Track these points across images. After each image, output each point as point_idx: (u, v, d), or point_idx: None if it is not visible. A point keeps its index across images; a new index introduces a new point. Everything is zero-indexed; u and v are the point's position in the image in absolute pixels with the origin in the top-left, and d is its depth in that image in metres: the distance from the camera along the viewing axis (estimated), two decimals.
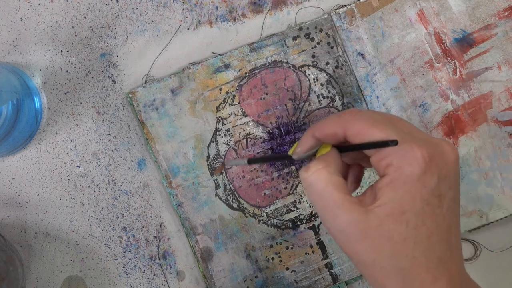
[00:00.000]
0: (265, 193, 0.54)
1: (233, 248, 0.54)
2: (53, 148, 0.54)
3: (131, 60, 0.54)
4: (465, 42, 0.54)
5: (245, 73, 0.54)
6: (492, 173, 0.54)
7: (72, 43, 0.54)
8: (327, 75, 0.54)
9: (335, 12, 0.54)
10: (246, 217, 0.54)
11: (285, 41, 0.54)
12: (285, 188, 0.54)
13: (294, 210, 0.54)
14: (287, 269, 0.54)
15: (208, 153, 0.54)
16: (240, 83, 0.54)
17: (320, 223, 0.54)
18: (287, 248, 0.54)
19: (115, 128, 0.54)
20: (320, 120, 0.39)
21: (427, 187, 0.34)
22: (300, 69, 0.54)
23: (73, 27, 0.54)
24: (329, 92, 0.54)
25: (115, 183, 0.54)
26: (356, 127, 0.36)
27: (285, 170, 0.54)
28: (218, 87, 0.54)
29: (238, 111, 0.54)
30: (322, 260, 0.54)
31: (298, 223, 0.54)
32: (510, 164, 0.54)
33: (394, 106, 0.54)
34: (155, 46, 0.55)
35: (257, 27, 0.55)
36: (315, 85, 0.54)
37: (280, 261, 0.54)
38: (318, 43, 0.54)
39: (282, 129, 0.54)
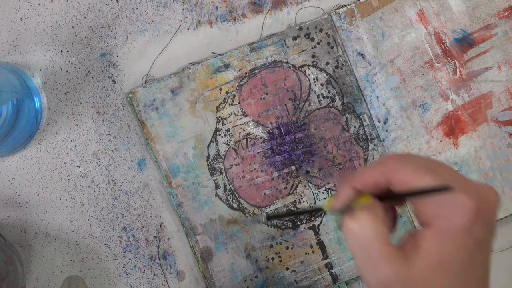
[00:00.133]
0: (265, 193, 0.54)
1: (233, 248, 0.54)
2: (53, 148, 0.54)
3: (131, 60, 0.54)
4: (465, 42, 0.54)
5: (245, 73, 0.54)
6: (492, 173, 0.54)
7: (72, 43, 0.54)
8: (327, 75, 0.54)
9: (335, 12, 0.54)
10: (246, 217, 0.54)
11: (285, 41, 0.54)
12: (285, 188, 0.54)
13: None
14: (287, 269, 0.54)
15: (208, 153, 0.54)
16: (240, 83, 0.54)
17: (320, 223, 0.54)
18: (287, 248, 0.54)
19: (115, 128, 0.54)
20: (358, 170, 0.37)
21: (472, 237, 0.33)
22: (300, 69, 0.54)
23: (73, 27, 0.54)
24: (329, 92, 0.54)
25: (115, 183, 0.54)
26: (402, 174, 0.34)
27: (285, 170, 0.54)
28: (218, 87, 0.54)
29: (238, 111, 0.54)
30: (322, 260, 0.54)
31: (298, 223, 0.54)
32: (510, 164, 0.54)
33: (394, 106, 0.54)
34: (155, 46, 0.55)
35: (257, 27, 0.55)
36: (315, 85, 0.54)
37: (280, 261, 0.54)
38: (318, 43, 0.54)
39: (282, 129, 0.54)
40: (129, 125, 0.54)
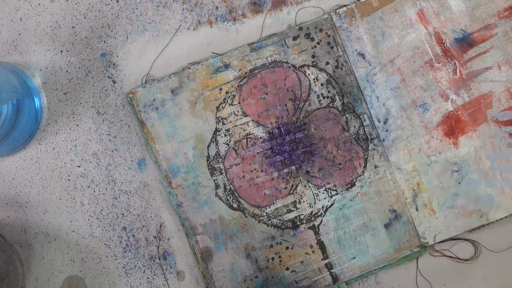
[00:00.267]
0: (265, 193, 0.54)
1: (233, 248, 0.54)
2: (53, 148, 0.54)
3: (131, 60, 0.54)
4: (465, 42, 0.54)
5: (245, 73, 0.54)
6: (492, 173, 0.54)
7: (72, 43, 0.54)
8: (327, 75, 0.54)
9: (335, 12, 0.54)
10: (246, 217, 0.54)
11: (285, 41, 0.54)
12: (285, 188, 0.54)
13: (294, 210, 0.54)
14: (287, 269, 0.54)
15: (208, 153, 0.54)
16: (240, 83, 0.54)
17: (320, 223, 0.54)
18: (287, 248, 0.54)
19: (115, 128, 0.54)
20: None
21: None
22: (300, 69, 0.54)
23: (73, 27, 0.54)
24: (329, 92, 0.54)
25: (115, 183, 0.54)
26: None
27: (285, 170, 0.54)
28: (218, 87, 0.54)
29: (238, 111, 0.54)
30: (322, 260, 0.54)
31: (298, 223, 0.54)
32: (510, 164, 0.54)
33: (394, 106, 0.54)
34: (155, 46, 0.55)
35: (257, 27, 0.55)
36: (315, 85, 0.54)
37: (280, 261, 0.54)
38: (318, 43, 0.54)
39: (282, 129, 0.54)
40: (129, 125, 0.54)
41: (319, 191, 0.54)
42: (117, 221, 0.54)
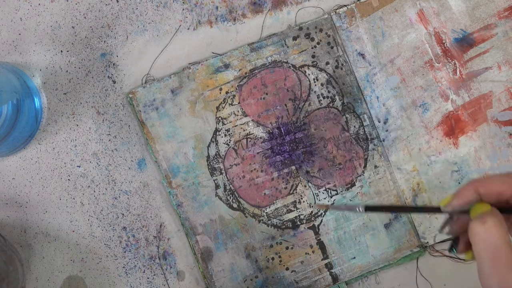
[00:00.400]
0: (265, 193, 0.54)
1: (233, 248, 0.54)
2: (53, 148, 0.54)
3: (131, 60, 0.54)
4: (465, 42, 0.54)
5: (245, 73, 0.54)
6: (492, 173, 0.54)
7: (72, 43, 0.54)
8: (327, 75, 0.54)
9: (335, 12, 0.54)
10: (246, 217, 0.54)
11: (285, 41, 0.54)
12: (285, 188, 0.54)
13: (294, 210, 0.54)
14: (287, 269, 0.54)
15: (208, 153, 0.54)
16: (240, 83, 0.54)
17: (320, 223, 0.54)
18: (287, 248, 0.54)
19: (115, 128, 0.54)
20: (485, 177, 0.38)
21: None
22: (300, 69, 0.54)
23: (73, 27, 0.54)
24: (329, 92, 0.54)
25: (115, 183, 0.54)
26: None
27: (285, 170, 0.54)
28: (218, 87, 0.54)
29: (238, 111, 0.54)
30: (322, 260, 0.54)
31: (298, 223, 0.54)
32: (510, 164, 0.54)
33: (394, 106, 0.54)
34: (155, 46, 0.55)
35: (257, 27, 0.55)
36: (315, 85, 0.54)
37: (280, 261, 0.54)
38: (318, 43, 0.54)
39: (282, 129, 0.54)
40: (129, 125, 0.54)
41: (319, 191, 0.54)
42: (117, 221, 0.54)
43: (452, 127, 0.55)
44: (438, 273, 0.55)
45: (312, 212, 0.54)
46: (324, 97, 0.54)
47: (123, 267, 0.54)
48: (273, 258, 0.54)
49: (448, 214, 0.38)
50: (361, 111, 0.54)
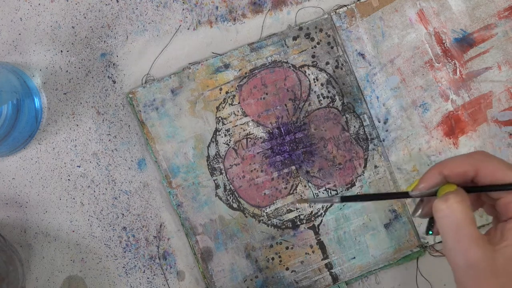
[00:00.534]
0: (265, 193, 0.54)
1: (233, 248, 0.54)
2: (53, 148, 0.54)
3: (131, 60, 0.54)
4: (465, 42, 0.54)
5: (245, 73, 0.54)
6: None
7: (72, 43, 0.54)
8: (327, 75, 0.54)
9: (335, 12, 0.54)
10: (246, 217, 0.54)
11: (285, 41, 0.54)
12: (285, 188, 0.54)
13: (294, 210, 0.54)
14: (287, 269, 0.54)
15: (208, 153, 0.54)
16: (240, 83, 0.54)
17: (320, 223, 0.54)
18: (287, 248, 0.54)
19: (115, 128, 0.54)
20: (448, 158, 0.39)
21: None
22: (300, 69, 0.54)
23: (73, 27, 0.54)
24: (329, 92, 0.54)
25: (115, 183, 0.54)
26: (490, 168, 0.37)
27: (285, 170, 0.54)
28: (218, 87, 0.54)
29: (238, 111, 0.54)
30: (322, 260, 0.54)
31: (298, 223, 0.54)
32: None
33: (394, 106, 0.54)
34: (155, 46, 0.55)
35: (257, 27, 0.55)
36: (315, 85, 0.54)
37: (280, 261, 0.54)
38: (318, 43, 0.54)
39: (282, 129, 0.54)
40: (129, 125, 0.54)
41: (319, 191, 0.54)
42: (117, 221, 0.54)
43: (452, 127, 0.55)
44: (438, 273, 0.55)
45: (312, 212, 0.54)
46: (324, 97, 0.54)
47: (123, 267, 0.54)
48: (273, 258, 0.54)
49: (419, 197, 0.40)
50: (361, 111, 0.54)
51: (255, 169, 0.54)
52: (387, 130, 0.54)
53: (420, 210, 0.41)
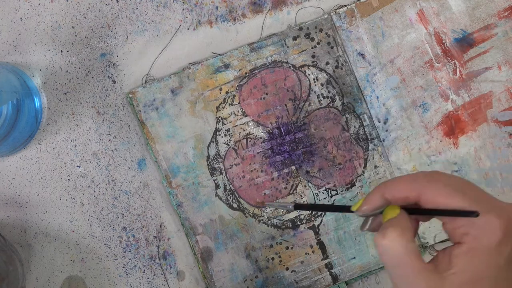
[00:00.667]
0: (265, 193, 0.54)
1: (233, 248, 0.54)
2: (53, 148, 0.54)
3: (131, 60, 0.54)
4: (465, 42, 0.54)
5: (245, 73, 0.54)
6: (492, 173, 0.54)
7: (72, 43, 0.54)
8: (327, 75, 0.54)
9: (335, 12, 0.54)
10: (246, 217, 0.54)
11: (285, 41, 0.54)
12: (285, 188, 0.54)
13: (294, 210, 0.54)
14: (287, 269, 0.54)
15: (208, 153, 0.54)
16: (240, 83, 0.54)
17: (320, 223, 0.54)
18: (287, 248, 0.54)
19: (115, 128, 0.54)
20: (391, 180, 0.38)
21: (502, 255, 0.34)
22: (300, 69, 0.54)
23: (73, 27, 0.54)
24: (329, 92, 0.54)
25: (115, 183, 0.54)
26: (433, 194, 0.36)
27: (285, 170, 0.54)
28: (218, 87, 0.54)
29: (238, 111, 0.54)
30: (322, 260, 0.54)
31: (298, 223, 0.54)
32: (510, 164, 0.54)
33: (394, 106, 0.54)
34: (155, 46, 0.55)
35: (257, 27, 0.55)
36: (315, 85, 0.54)
37: (280, 261, 0.54)
38: (318, 43, 0.54)
39: (282, 129, 0.54)
40: (129, 125, 0.54)
41: (319, 191, 0.54)
42: (117, 221, 0.54)
43: (452, 127, 0.55)
44: None
45: (312, 212, 0.54)
46: (324, 97, 0.54)
47: (123, 267, 0.54)
48: (273, 258, 0.54)
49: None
50: (361, 111, 0.54)
51: (255, 169, 0.54)
52: (387, 130, 0.54)
53: (368, 224, 0.40)
